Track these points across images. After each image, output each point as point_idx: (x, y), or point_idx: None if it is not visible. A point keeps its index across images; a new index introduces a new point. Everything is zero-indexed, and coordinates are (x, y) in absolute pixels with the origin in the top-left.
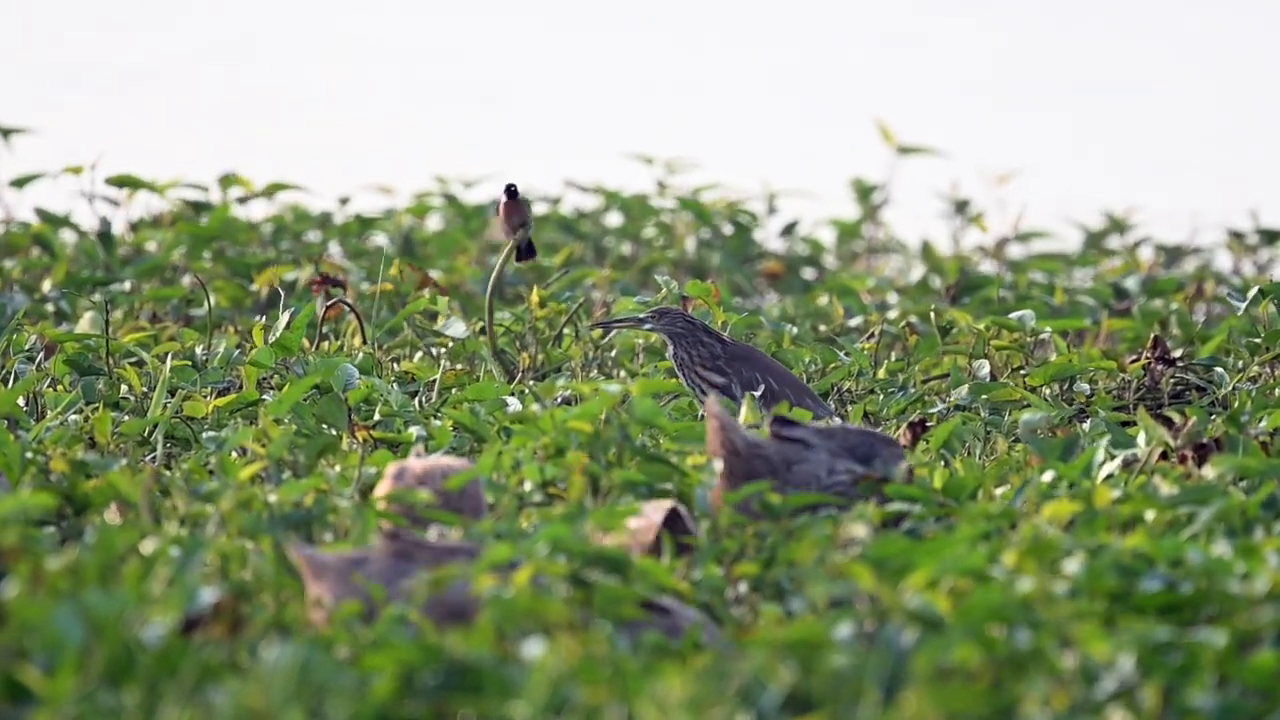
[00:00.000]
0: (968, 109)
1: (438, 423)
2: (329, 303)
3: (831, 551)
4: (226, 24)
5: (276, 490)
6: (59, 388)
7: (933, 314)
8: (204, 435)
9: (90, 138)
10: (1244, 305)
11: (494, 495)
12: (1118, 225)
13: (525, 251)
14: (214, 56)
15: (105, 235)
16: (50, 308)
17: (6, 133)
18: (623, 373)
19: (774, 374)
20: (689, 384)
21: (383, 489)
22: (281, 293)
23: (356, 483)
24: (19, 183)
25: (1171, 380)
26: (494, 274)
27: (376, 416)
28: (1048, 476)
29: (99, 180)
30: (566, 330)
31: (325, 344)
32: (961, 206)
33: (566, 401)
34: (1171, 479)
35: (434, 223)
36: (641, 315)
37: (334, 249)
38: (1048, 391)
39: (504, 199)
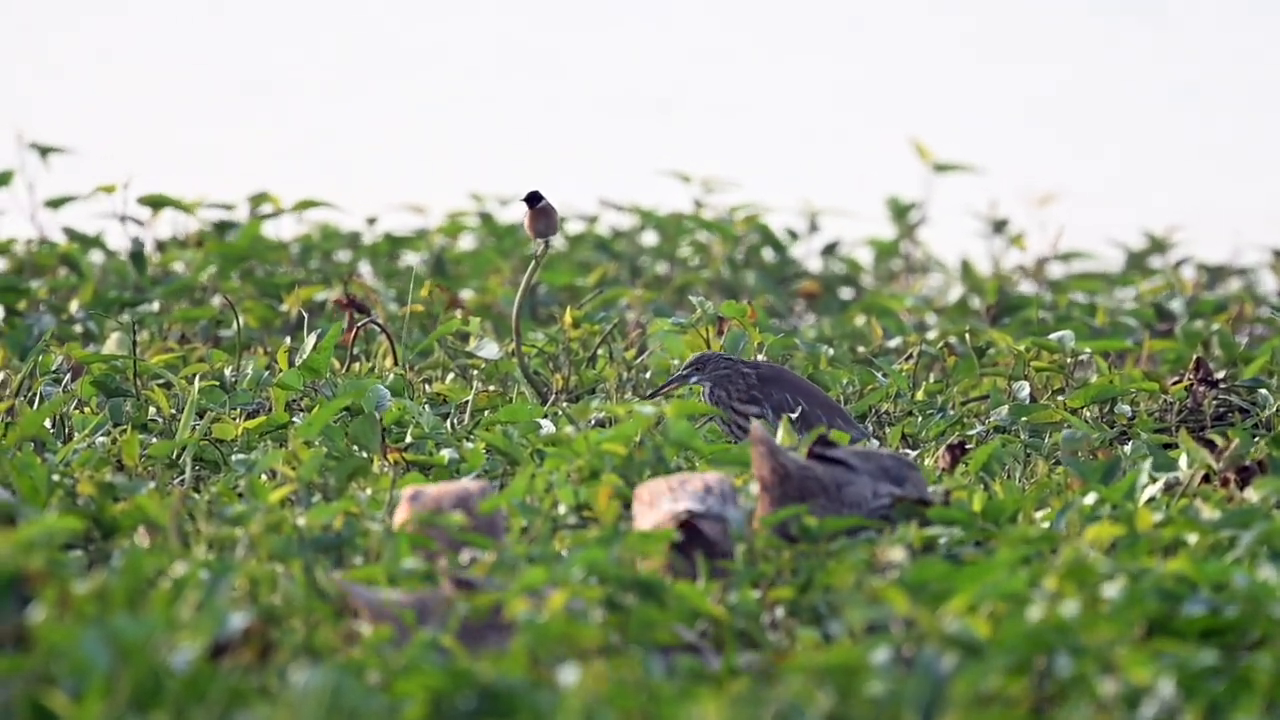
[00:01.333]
0: (1005, 126)
1: (470, 445)
2: (354, 325)
3: (869, 575)
4: (255, 45)
5: (306, 513)
6: (86, 409)
7: (970, 335)
8: (233, 458)
9: (119, 157)
10: None
11: (527, 518)
12: (1159, 245)
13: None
14: (244, 75)
15: (137, 255)
16: (78, 329)
17: (44, 151)
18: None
19: (804, 394)
20: (722, 423)
21: (402, 513)
22: (306, 315)
23: (388, 506)
24: (54, 204)
25: (1214, 402)
26: (520, 293)
27: (408, 439)
28: (1089, 499)
29: (130, 200)
30: (600, 351)
31: (356, 365)
32: (1000, 226)
33: (600, 423)
34: (1214, 502)
35: (467, 242)
36: (684, 372)
37: (365, 269)
38: (1088, 413)
39: (527, 209)
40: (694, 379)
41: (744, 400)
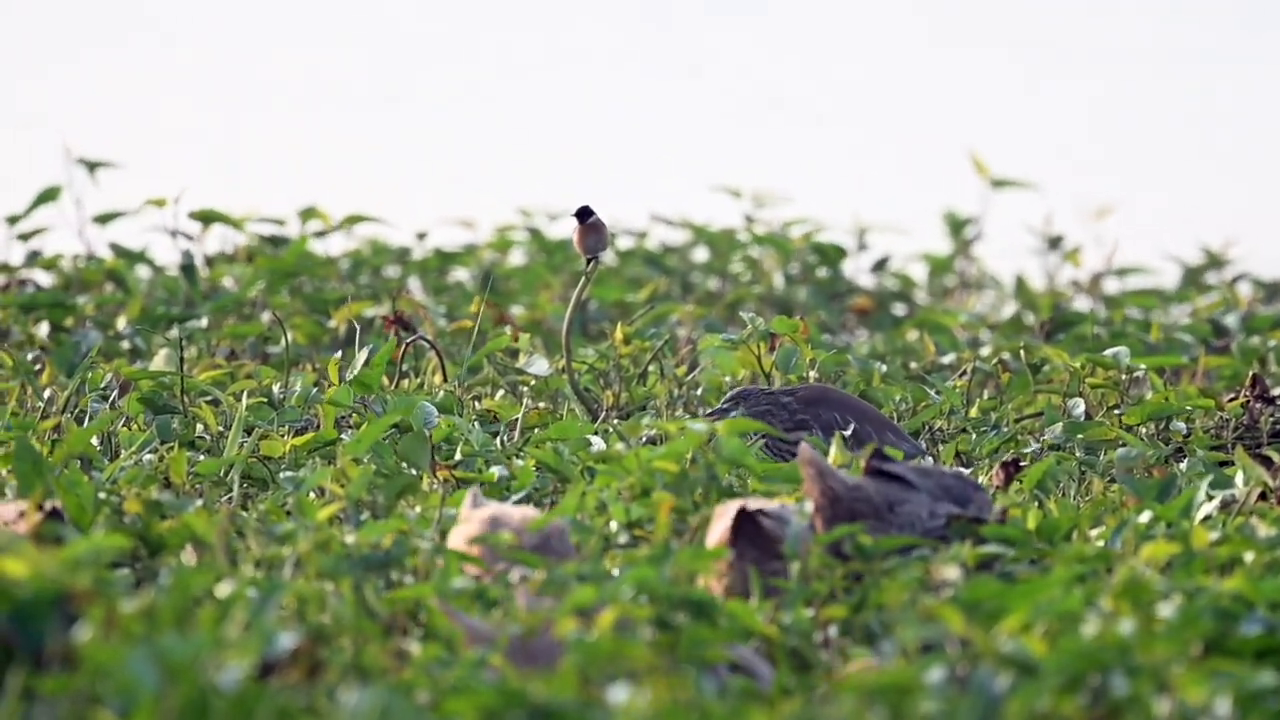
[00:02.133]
0: (1062, 141)
1: (520, 462)
2: (402, 343)
3: (922, 594)
4: (303, 59)
5: (355, 531)
6: (133, 427)
7: (1025, 351)
8: (281, 475)
9: (165, 172)
10: None
11: (578, 536)
12: (1215, 260)
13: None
14: (292, 90)
15: (188, 269)
16: (125, 345)
17: (92, 167)
18: (709, 411)
19: (852, 411)
20: (773, 453)
21: (465, 533)
22: (358, 328)
23: (437, 524)
24: (103, 219)
25: (1271, 419)
26: (570, 308)
27: (458, 456)
28: (1144, 518)
29: (181, 215)
30: (651, 368)
31: (405, 382)
32: (1056, 242)
33: (652, 441)
34: (1270, 520)
35: (517, 257)
36: (723, 406)
37: (414, 284)
38: (1144, 430)
39: (577, 224)
40: (733, 415)
41: (790, 428)
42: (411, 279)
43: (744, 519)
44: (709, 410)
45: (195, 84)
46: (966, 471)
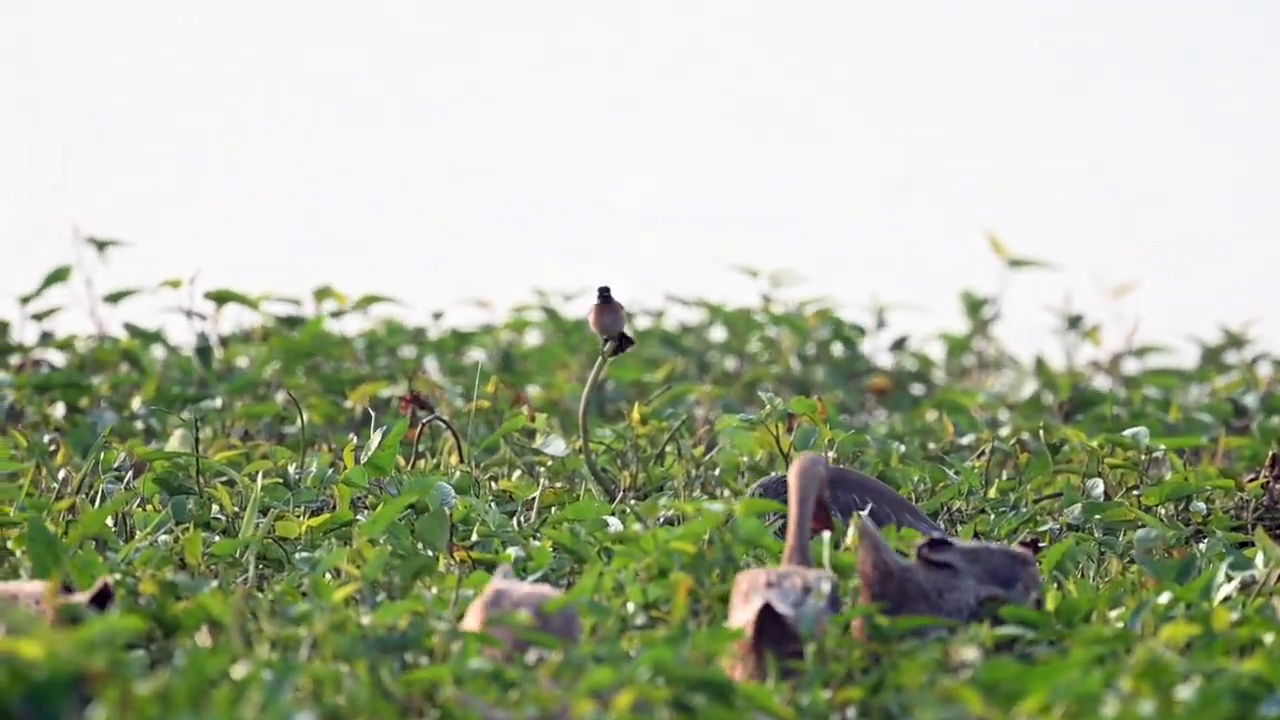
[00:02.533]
0: (1080, 221)
1: (537, 543)
2: (419, 423)
3: (941, 675)
4: (317, 142)
5: (371, 613)
6: (148, 507)
7: (1044, 431)
8: (297, 556)
9: (176, 251)
10: None
11: (596, 617)
12: (1235, 340)
13: (622, 343)
14: (305, 171)
15: (203, 350)
16: (139, 425)
17: (101, 245)
18: (726, 491)
19: (870, 491)
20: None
21: (476, 615)
22: (371, 411)
23: (454, 605)
24: (113, 298)
25: None
26: (587, 389)
27: (474, 537)
28: (1164, 598)
29: (196, 295)
30: (668, 448)
31: (421, 462)
32: (1075, 321)
33: (669, 521)
34: None
35: (533, 337)
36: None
37: (430, 364)
38: (1163, 511)
39: (596, 301)
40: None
41: None
42: (428, 359)
43: (768, 617)
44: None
45: (207, 162)
46: (1020, 548)
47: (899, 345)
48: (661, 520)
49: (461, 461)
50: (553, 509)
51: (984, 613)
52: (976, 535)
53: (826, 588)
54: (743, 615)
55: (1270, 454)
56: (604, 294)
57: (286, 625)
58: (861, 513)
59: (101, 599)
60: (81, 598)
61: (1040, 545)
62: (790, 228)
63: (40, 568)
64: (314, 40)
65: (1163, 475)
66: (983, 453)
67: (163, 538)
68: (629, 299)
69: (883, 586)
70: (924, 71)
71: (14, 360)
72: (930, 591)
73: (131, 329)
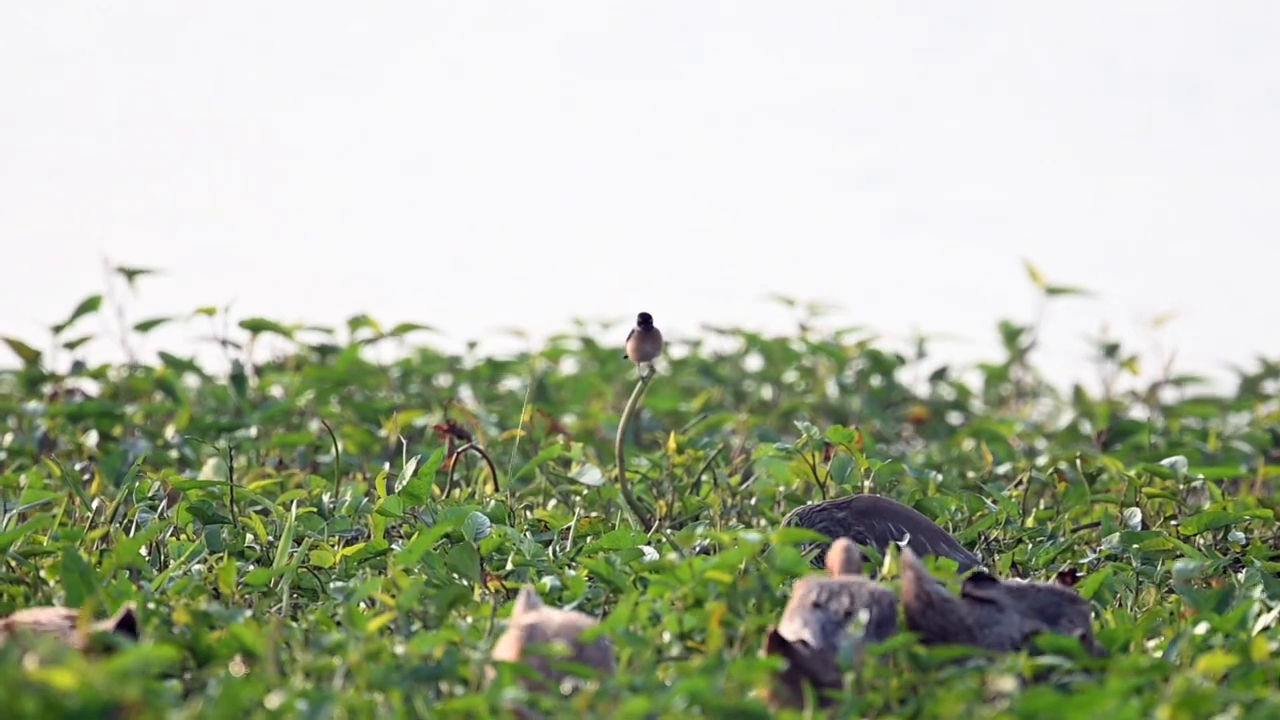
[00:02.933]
0: (1118, 249)
1: (572, 572)
2: (455, 451)
3: (979, 706)
4: (350, 167)
5: (406, 642)
6: (182, 536)
7: (1081, 461)
8: (331, 586)
9: (206, 279)
10: None
11: (631, 647)
12: (1273, 369)
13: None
14: (339, 197)
15: (238, 378)
16: (173, 454)
17: (131, 274)
18: (763, 521)
19: (905, 521)
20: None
21: (511, 644)
22: (405, 440)
23: (489, 634)
24: (144, 326)
25: None
26: (624, 417)
27: (509, 566)
28: (1201, 629)
29: (230, 323)
30: (705, 477)
31: (456, 491)
32: (1112, 349)
33: (705, 551)
34: None
35: (569, 366)
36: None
37: (465, 393)
38: (1201, 541)
39: (637, 328)
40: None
41: (838, 534)
42: (463, 388)
43: (776, 643)
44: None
45: (241, 189)
46: (1068, 588)
47: (939, 375)
48: (697, 550)
49: (497, 491)
50: (588, 538)
51: (1027, 647)
52: (1014, 565)
53: (864, 617)
54: (786, 628)
55: None
56: (645, 320)
57: (321, 655)
58: (900, 543)
59: (126, 625)
60: (107, 624)
61: (1079, 575)
62: (827, 257)
63: (74, 597)
64: (349, 68)
65: (1201, 505)
66: (1020, 482)
67: (196, 567)
68: (665, 328)
69: (925, 617)
70: (962, 100)
71: (47, 389)
72: (973, 625)
73: (166, 357)
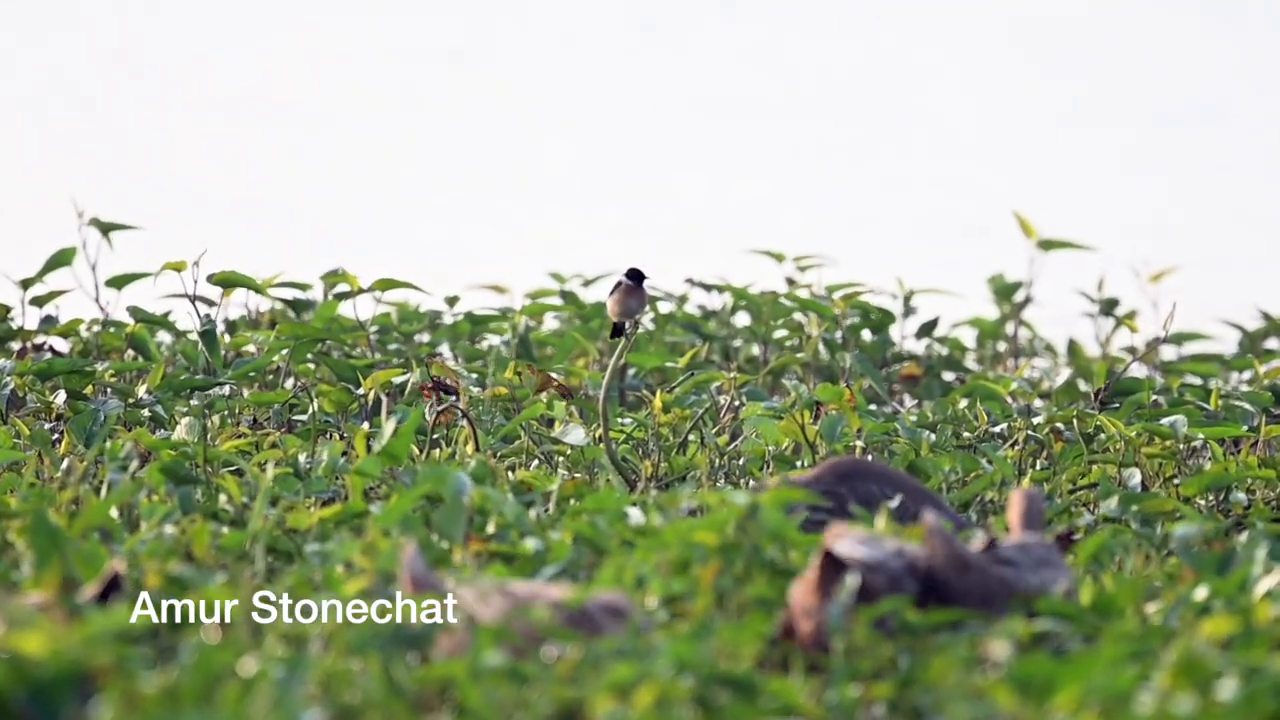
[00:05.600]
0: (1114, 203)
1: (555, 535)
2: (440, 409)
3: (972, 671)
4: (327, 122)
5: (384, 607)
6: (154, 498)
7: (1078, 420)
8: (308, 548)
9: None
10: None
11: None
12: (1276, 325)
13: (615, 330)
14: (314, 152)
15: (208, 335)
16: (145, 413)
17: (105, 228)
18: (751, 482)
19: (891, 483)
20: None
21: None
22: (384, 398)
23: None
24: (116, 282)
25: None
26: (608, 375)
27: (491, 529)
28: (1202, 592)
29: (200, 279)
30: (691, 437)
31: (436, 452)
32: (1110, 306)
33: (692, 512)
34: None
35: (551, 322)
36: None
37: (445, 350)
38: (1202, 502)
39: (625, 282)
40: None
41: (821, 491)
42: (442, 345)
43: (830, 563)
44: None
45: (216, 143)
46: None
47: (929, 330)
48: (684, 512)
49: (478, 451)
50: (572, 500)
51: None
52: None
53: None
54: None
55: None
56: (635, 276)
57: (297, 619)
58: (890, 504)
59: (114, 587)
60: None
61: (1076, 537)
62: (817, 212)
63: (42, 560)
64: (328, 19)
65: (1202, 465)
66: (1016, 442)
67: (169, 529)
68: (650, 283)
69: (962, 581)
70: (952, 50)
71: (15, 346)
72: (1013, 583)
73: (137, 313)
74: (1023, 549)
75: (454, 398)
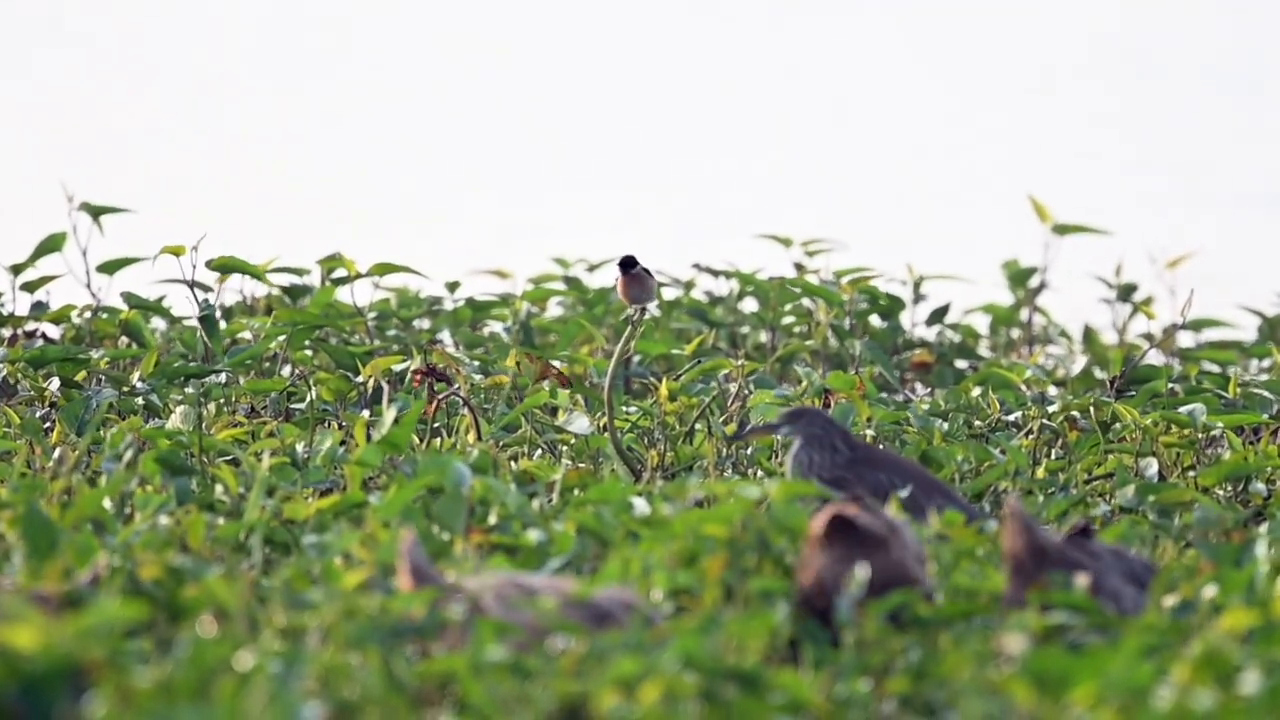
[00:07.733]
0: (1131, 187)
1: (559, 526)
2: (436, 398)
3: (987, 665)
4: (326, 107)
5: (384, 599)
6: (149, 488)
7: (1094, 408)
8: (305, 540)
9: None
10: None
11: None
12: None
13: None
14: (315, 137)
15: (207, 319)
16: (139, 401)
17: (96, 212)
18: (760, 472)
19: (902, 473)
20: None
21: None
22: (385, 386)
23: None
24: (109, 267)
25: None
26: (613, 363)
27: (492, 519)
28: (1221, 585)
29: (198, 264)
30: (698, 426)
31: (437, 441)
32: (1127, 292)
33: (699, 503)
34: None
35: (555, 309)
36: (775, 421)
37: (445, 337)
38: (1221, 492)
39: (620, 274)
40: (784, 430)
41: (826, 479)
42: (443, 332)
43: (839, 524)
44: (764, 424)
45: (212, 126)
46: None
47: (940, 316)
48: (691, 502)
49: (479, 440)
50: (576, 490)
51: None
52: None
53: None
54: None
55: None
56: (629, 263)
57: (294, 612)
58: (901, 493)
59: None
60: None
61: (1092, 528)
62: (827, 195)
63: (34, 551)
64: (325, 2)
65: (1220, 455)
66: (1030, 431)
67: (164, 520)
68: (657, 269)
69: (1037, 568)
70: (966, 33)
71: (6, 332)
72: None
73: (131, 299)
74: (1119, 554)
75: (448, 385)
